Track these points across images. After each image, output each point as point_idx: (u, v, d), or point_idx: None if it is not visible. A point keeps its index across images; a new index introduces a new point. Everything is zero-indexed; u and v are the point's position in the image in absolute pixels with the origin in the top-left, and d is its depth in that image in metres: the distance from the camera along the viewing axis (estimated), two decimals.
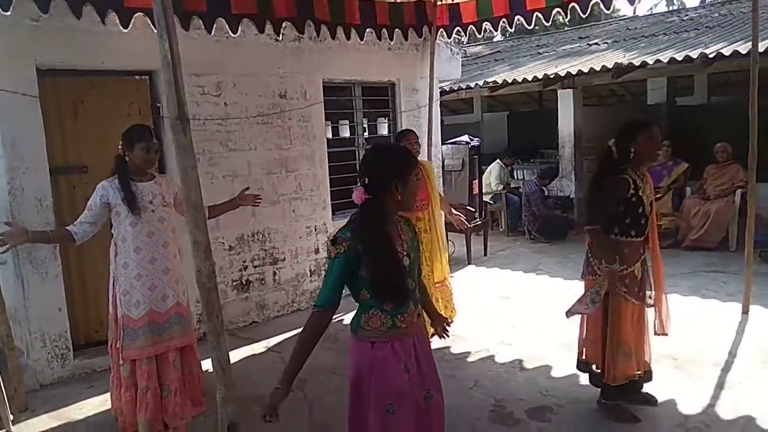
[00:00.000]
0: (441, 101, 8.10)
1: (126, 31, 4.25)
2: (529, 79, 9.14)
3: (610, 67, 8.13)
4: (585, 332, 3.69)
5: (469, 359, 4.56)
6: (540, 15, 5.54)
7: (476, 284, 6.73)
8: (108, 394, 3.77)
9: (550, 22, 5.67)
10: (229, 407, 2.33)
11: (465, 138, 8.76)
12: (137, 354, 3.40)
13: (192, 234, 2.29)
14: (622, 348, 3.44)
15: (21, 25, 4.16)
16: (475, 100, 13.82)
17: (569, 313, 3.50)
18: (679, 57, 7.51)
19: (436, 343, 4.66)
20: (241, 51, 5.38)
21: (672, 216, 7.80)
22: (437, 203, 5.15)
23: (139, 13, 4.20)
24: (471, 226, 7.52)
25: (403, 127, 6.23)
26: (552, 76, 8.84)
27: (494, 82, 9.68)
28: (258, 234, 5.71)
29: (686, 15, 12.38)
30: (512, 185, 9.68)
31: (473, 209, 7.94)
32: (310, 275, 6.13)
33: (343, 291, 2.18)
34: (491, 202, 9.33)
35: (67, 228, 3.37)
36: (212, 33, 4.76)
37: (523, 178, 10.16)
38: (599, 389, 3.62)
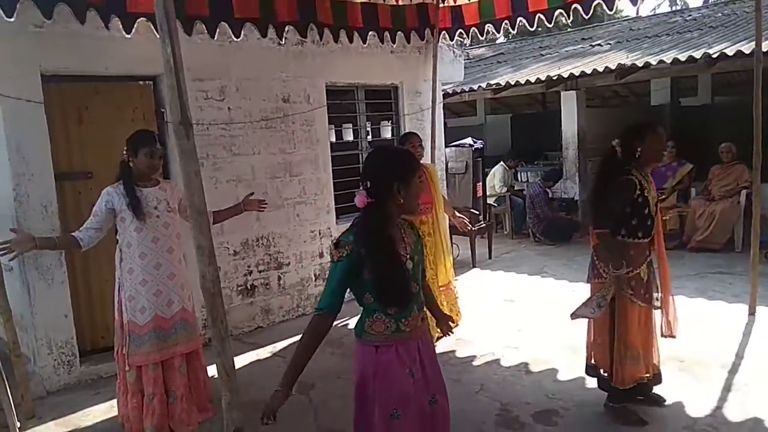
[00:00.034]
0: (444, 104, 8.10)
1: (129, 36, 4.26)
2: (532, 81, 9.14)
3: (614, 68, 8.12)
4: (593, 336, 3.66)
5: (475, 363, 4.55)
6: (542, 16, 5.53)
7: (481, 287, 6.72)
8: (114, 401, 3.77)
9: (552, 24, 5.67)
10: (234, 413, 2.33)
11: (468, 140, 8.75)
12: (143, 360, 3.40)
13: (196, 239, 2.29)
14: (629, 351, 3.42)
15: (25, 32, 4.18)
16: (479, 103, 13.83)
17: (574, 316, 3.48)
18: (683, 57, 7.50)
19: (441, 346, 4.69)
20: (244, 55, 5.39)
21: (678, 208, 7.73)
22: (441, 206, 5.15)
23: (141, 19, 4.22)
24: (475, 228, 7.51)
25: (407, 130, 6.22)
26: (555, 78, 8.84)
27: (497, 84, 9.68)
28: (262, 239, 5.72)
29: (689, 15, 12.38)
30: (516, 187, 9.68)
31: (477, 212, 7.93)
32: (315, 279, 6.13)
33: (347, 295, 2.18)
34: (495, 204, 9.31)
35: (73, 234, 3.38)
36: (215, 38, 4.77)
37: (527, 181, 10.15)
38: (606, 392, 3.60)
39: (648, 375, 3.55)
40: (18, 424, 3.75)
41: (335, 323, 2.20)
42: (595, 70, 8.31)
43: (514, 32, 6.12)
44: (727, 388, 3.83)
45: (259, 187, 5.43)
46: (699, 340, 4.51)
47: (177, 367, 3.50)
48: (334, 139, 6.43)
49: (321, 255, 6.16)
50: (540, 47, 13.25)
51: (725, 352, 4.33)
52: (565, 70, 8.89)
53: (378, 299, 2.16)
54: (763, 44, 5.00)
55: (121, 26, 4.20)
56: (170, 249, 3.50)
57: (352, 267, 2.12)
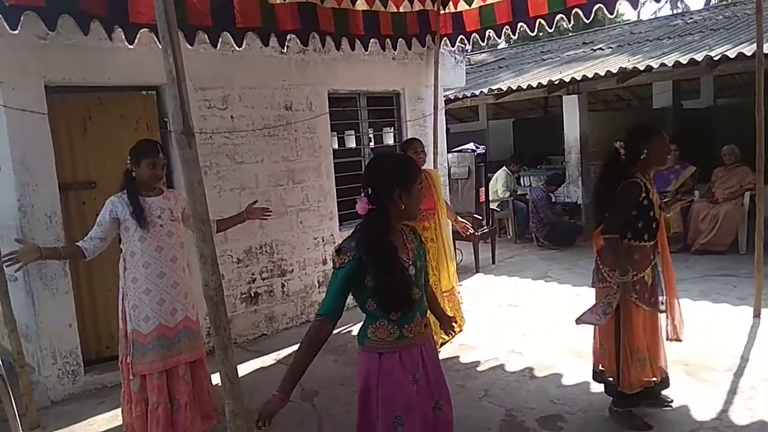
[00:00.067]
0: (446, 109, 8.12)
1: (132, 47, 4.30)
2: (534, 86, 9.15)
3: (615, 71, 8.12)
4: (599, 342, 3.65)
5: (479, 369, 4.53)
6: (543, 21, 5.56)
7: (485, 292, 6.71)
8: (119, 410, 3.78)
9: (553, 28, 5.68)
10: (238, 421, 2.33)
11: (471, 146, 8.76)
12: (147, 369, 3.41)
13: (199, 247, 2.30)
14: (636, 355, 3.40)
15: (29, 44, 4.21)
16: (481, 108, 13.84)
17: (579, 322, 3.47)
18: (684, 60, 7.50)
19: (445, 352, 4.68)
20: (247, 64, 5.42)
21: (681, 202, 7.60)
22: (443, 212, 5.15)
23: (144, 29, 4.25)
24: (478, 234, 7.51)
25: (409, 136, 6.24)
26: (557, 82, 8.85)
27: (499, 89, 9.70)
28: (266, 246, 5.73)
29: (690, 18, 12.37)
30: (519, 192, 9.68)
31: (480, 217, 7.93)
32: (319, 286, 6.13)
33: (350, 302, 2.18)
34: (498, 209, 9.31)
35: (78, 244, 3.39)
36: (218, 47, 4.80)
37: (530, 185, 10.15)
38: (612, 397, 3.59)
39: (655, 379, 3.53)
40: None
41: (338, 330, 2.20)
42: (596, 74, 8.31)
43: (516, 37, 6.11)
44: (732, 391, 3.81)
45: (262, 195, 5.44)
46: (704, 342, 4.50)
47: (181, 375, 3.51)
48: (336, 146, 6.45)
49: (324, 262, 6.17)
50: (541, 52, 13.26)
51: (730, 355, 4.32)
52: (567, 74, 8.90)
53: (380, 305, 2.16)
54: (765, 46, 4.98)
55: (123, 37, 4.24)
56: (174, 258, 3.51)
57: (354, 274, 2.13)
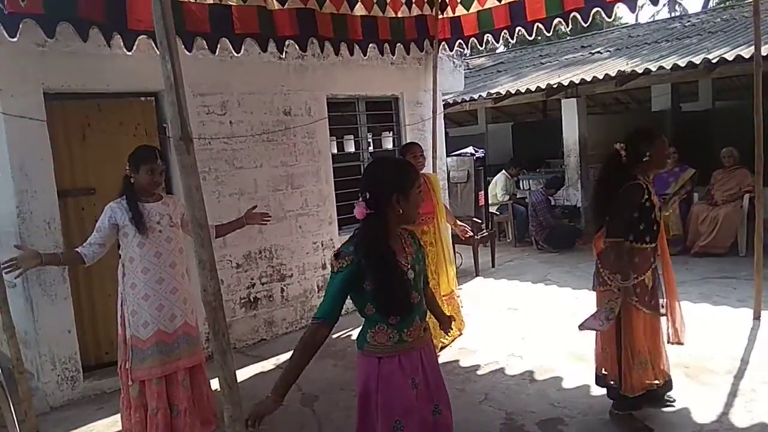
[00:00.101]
0: (445, 113, 8.13)
1: (130, 53, 4.30)
2: (533, 90, 9.16)
3: (614, 75, 8.13)
4: (600, 346, 3.64)
5: (479, 372, 4.53)
6: (541, 25, 5.56)
7: (484, 296, 6.70)
8: (118, 416, 3.78)
9: (551, 32, 5.69)
10: (237, 426, 2.33)
11: (470, 149, 8.77)
12: (146, 374, 3.41)
13: (197, 253, 2.30)
14: (637, 358, 3.40)
15: (28, 51, 4.22)
16: (480, 112, 13.86)
17: (582, 328, 3.44)
18: (683, 63, 7.51)
19: (444, 356, 4.68)
20: (245, 70, 5.43)
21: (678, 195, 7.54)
22: (443, 216, 5.15)
23: (142, 36, 4.26)
24: (478, 237, 7.51)
25: (408, 141, 6.25)
26: (555, 86, 8.86)
27: (498, 93, 9.71)
28: (265, 251, 5.73)
29: (688, 21, 12.40)
30: (518, 195, 9.68)
31: (480, 221, 7.93)
32: (318, 291, 6.13)
33: (349, 307, 2.19)
34: (498, 213, 9.32)
35: (77, 250, 3.40)
36: (216, 53, 4.81)
37: (530, 188, 10.15)
38: (613, 401, 3.58)
39: (658, 382, 3.52)
40: None
41: (338, 335, 2.21)
42: (595, 77, 8.32)
43: (514, 41, 6.13)
44: (733, 393, 3.81)
45: (261, 200, 5.44)
46: (704, 345, 4.49)
47: (180, 381, 3.51)
48: (335, 151, 6.45)
49: (323, 266, 6.16)
50: (540, 56, 13.29)
51: (730, 358, 4.31)
52: (566, 77, 8.91)
53: (379, 310, 2.17)
54: (763, 48, 5.01)
55: (122, 44, 4.24)
56: (173, 263, 3.51)
57: (353, 278, 2.13)
